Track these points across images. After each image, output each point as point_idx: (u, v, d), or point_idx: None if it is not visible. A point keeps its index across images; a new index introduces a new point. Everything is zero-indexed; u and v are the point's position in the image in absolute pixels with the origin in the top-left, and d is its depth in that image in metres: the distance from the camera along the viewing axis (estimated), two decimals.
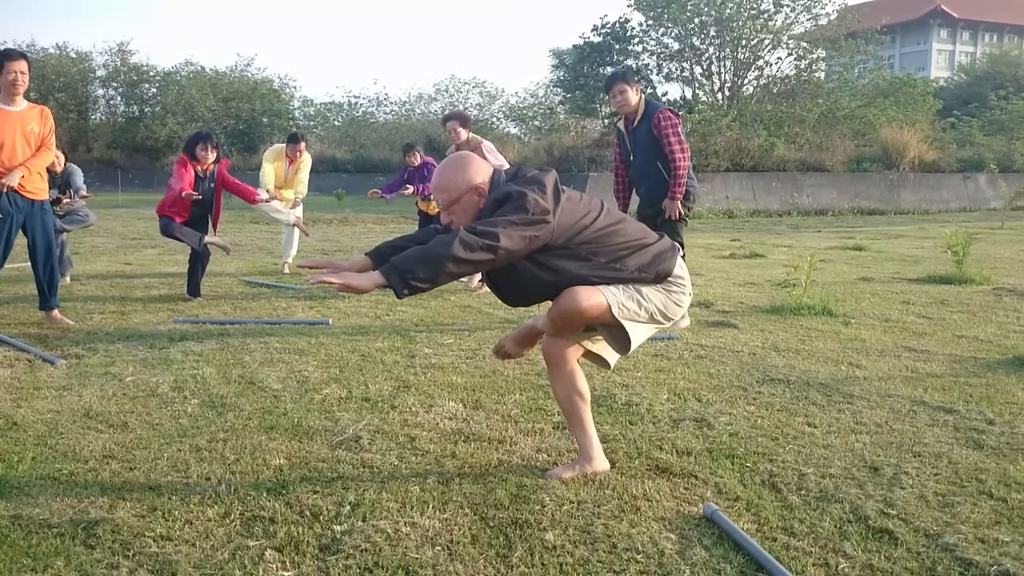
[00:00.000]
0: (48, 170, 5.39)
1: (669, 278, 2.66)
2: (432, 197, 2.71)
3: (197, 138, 6.15)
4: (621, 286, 2.58)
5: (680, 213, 5.17)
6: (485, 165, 2.64)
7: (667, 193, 5.16)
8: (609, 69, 25.03)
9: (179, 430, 3.15)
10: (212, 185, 6.15)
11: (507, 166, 6.41)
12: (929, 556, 2.19)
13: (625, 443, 3.03)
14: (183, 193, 5.87)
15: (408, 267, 2.32)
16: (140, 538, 2.25)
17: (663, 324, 2.72)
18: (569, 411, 2.75)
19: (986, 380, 3.97)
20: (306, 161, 7.99)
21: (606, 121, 23.85)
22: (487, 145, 6.62)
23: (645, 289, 2.62)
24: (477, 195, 2.56)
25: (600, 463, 2.74)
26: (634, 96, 5.21)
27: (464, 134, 6.68)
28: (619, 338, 2.64)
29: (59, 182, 6.80)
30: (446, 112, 8.98)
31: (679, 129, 5.13)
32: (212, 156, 6.08)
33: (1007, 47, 41.57)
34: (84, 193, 6.98)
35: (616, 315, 2.55)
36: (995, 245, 11.31)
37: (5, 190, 4.77)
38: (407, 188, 7.80)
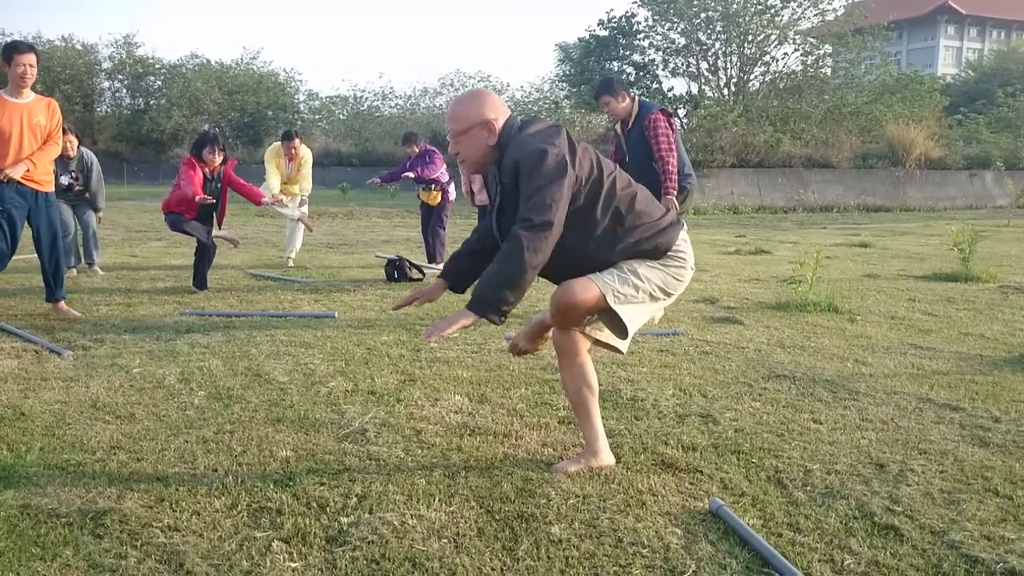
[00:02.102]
0: (62, 154, 5.40)
1: (669, 252, 2.64)
2: (446, 129, 2.67)
3: (204, 140, 6.19)
4: (615, 271, 2.56)
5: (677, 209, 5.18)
6: (502, 106, 2.61)
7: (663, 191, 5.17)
8: (615, 64, 24.99)
9: (186, 421, 3.16)
10: (219, 185, 6.24)
11: None
12: (935, 553, 2.19)
13: (631, 438, 3.03)
14: (196, 198, 5.93)
15: (497, 296, 2.37)
16: (148, 528, 2.26)
17: (665, 300, 2.68)
18: (577, 403, 2.75)
19: (992, 378, 3.96)
20: (306, 157, 8.01)
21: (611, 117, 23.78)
22: None
23: (641, 269, 2.59)
24: (487, 131, 2.56)
25: (606, 457, 2.74)
26: (620, 103, 5.24)
27: None
28: (617, 323, 2.61)
29: (72, 167, 6.80)
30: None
31: (668, 132, 5.14)
32: (219, 159, 6.15)
33: (1015, 44, 41.37)
34: (78, 188, 6.93)
35: (611, 304, 2.53)
36: (1001, 243, 11.29)
37: (6, 180, 4.78)
38: (407, 174, 7.81)
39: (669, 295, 2.68)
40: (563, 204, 2.41)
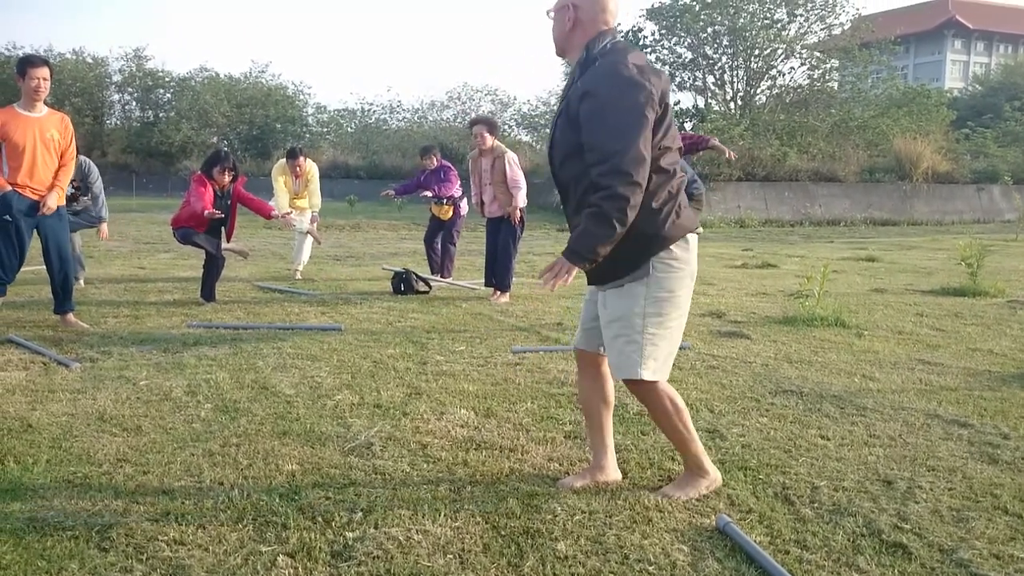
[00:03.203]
0: None
1: (663, 252, 2.47)
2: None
3: (216, 159, 6.26)
4: (629, 341, 2.47)
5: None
6: (598, 6, 2.52)
7: None
8: None
9: (192, 434, 3.17)
10: (229, 201, 6.33)
11: (523, 188, 6.52)
12: (943, 571, 2.17)
13: (637, 453, 3.02)
14: (206, 213, 5.99)
15: (591, 252, 2.39)
16: (153, 542, 2.26)
17: (679, 319, 2.57)
18: (590, 416, 2.75)
19: (1001, 394, 3.94)
20: (313, 172, 8.07)
21: None
22: (511, 156, 6.70)
23: (649, 322, 2.48)
24: (567, 19, 2.55)
25: (612, 473, 2.73)
26: None
27: (490, 140, 6.76)
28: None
29: (73, 176, 6.79)
30: (473, 116, 9.06)
31: None
32: (228, 178, 6.21)
33: (1022, 58, 41.36)
34: (82, 197, 6.90)
35: (647, 378, 2.49)
36: (1009, 257, 11.24)
37: (47, 212, 4.87)
38: (425, 192, 7.83)
39: (681, 307, 2.55)
40: (643, 143, 2.35)
